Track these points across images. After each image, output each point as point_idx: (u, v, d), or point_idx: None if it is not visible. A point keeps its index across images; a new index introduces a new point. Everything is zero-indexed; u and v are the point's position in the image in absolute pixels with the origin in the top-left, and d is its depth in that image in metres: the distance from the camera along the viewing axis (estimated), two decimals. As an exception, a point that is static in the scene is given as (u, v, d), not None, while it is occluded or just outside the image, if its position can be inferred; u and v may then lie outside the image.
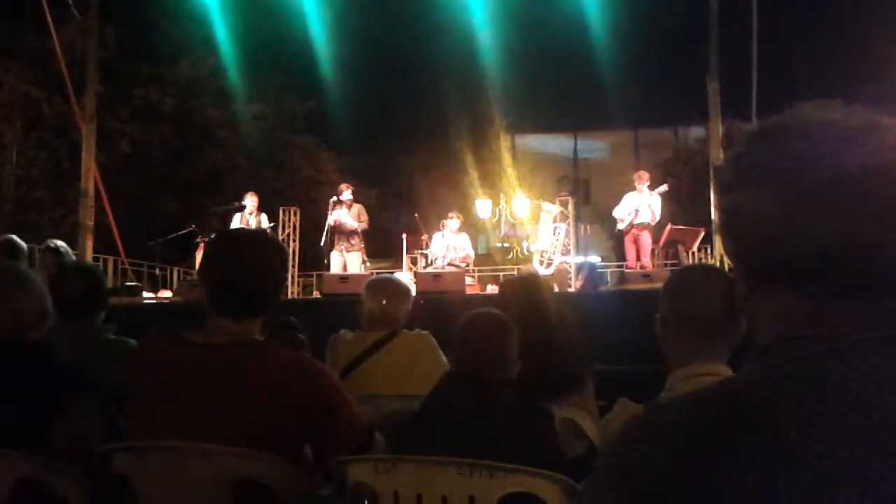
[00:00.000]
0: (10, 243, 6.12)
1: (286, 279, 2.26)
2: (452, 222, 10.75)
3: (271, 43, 18.33)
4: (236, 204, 11.09)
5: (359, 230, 10.49)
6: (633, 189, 10.52)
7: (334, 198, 10.59)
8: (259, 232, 3.33)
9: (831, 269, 0.74)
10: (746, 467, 0.66)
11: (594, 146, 28.92)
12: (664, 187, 10.70)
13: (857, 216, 0.73)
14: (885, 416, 0.67)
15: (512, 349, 2.28)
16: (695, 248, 10.73)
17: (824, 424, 0.67)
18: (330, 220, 10.47)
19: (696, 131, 19.47)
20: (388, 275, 3.55)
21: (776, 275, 0.78)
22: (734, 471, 0.67)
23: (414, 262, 12.25)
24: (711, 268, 2.19)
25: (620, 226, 10.64)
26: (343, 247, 10.45)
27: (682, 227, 10.77)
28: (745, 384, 0.75)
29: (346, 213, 10.41)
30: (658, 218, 10.34)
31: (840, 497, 0.64)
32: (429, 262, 11.02)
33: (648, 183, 10.47)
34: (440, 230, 10.99)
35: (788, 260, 0.76)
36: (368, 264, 12.37)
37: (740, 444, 0.68)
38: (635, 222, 10.32)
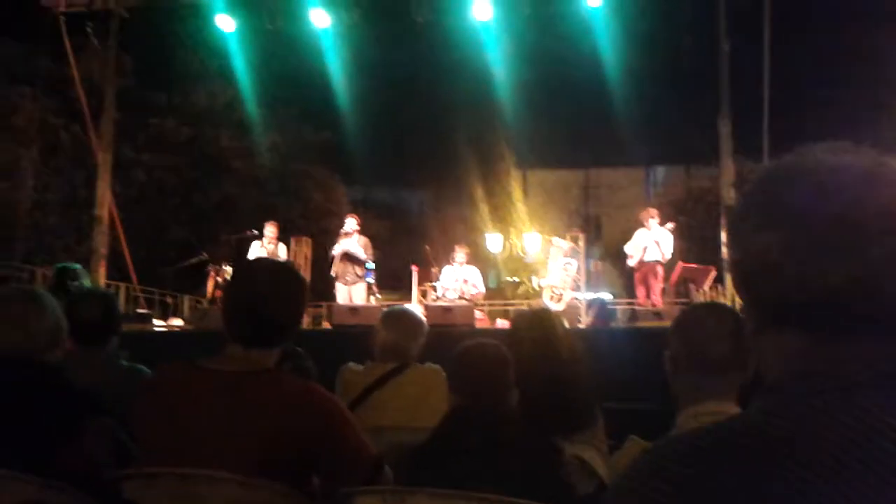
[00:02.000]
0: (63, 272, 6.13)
1: (303, 311, 2.28)
2: (459, 255, 10.76)
3: (288, 75, 18.53)
4: (247, 232, 11.12)
5: (365, 261, 10.48)
6: (642, 226, 10.50)
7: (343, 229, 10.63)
8: (281, 262, 3.36)
9: (841, 309, 0.75)
10: None
11: (606, 182, 28.97)
12: (670, 225, 10.66)
13: (871, 257, 0.74)
14: (892, 456, 0.67)
15: (509, 377, 2.28)
16: (706, 287, 10.68)
17: (831, 464, 0.67)
18: (337, 250, 10.47)
19: (707, 170, 19.45)
20: (403, 306, 3.56)
21: (785, 313, 0.79)
22: None
23: (424, 294, 12.24)
24: (720, 306, 2.19)
25: (630, 262, 10.60)
26: (349, 278, 10.41)
27: (694, 266, 10.73)
28: (750, 422, 0.75)
29: (354, 243, 10.41)
30: (668, 255, 10.29)
31: None
32: (438, 294, 11.02)
33: (657, 219, 10.44)
34: (451, 263, 11.00)
35: (798, 299, 0.77)
36: (379, 296, 12.37)
37: (744, 484, 0.68)
38: (645, 259, 10.28)
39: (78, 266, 6.76)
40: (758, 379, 0.84)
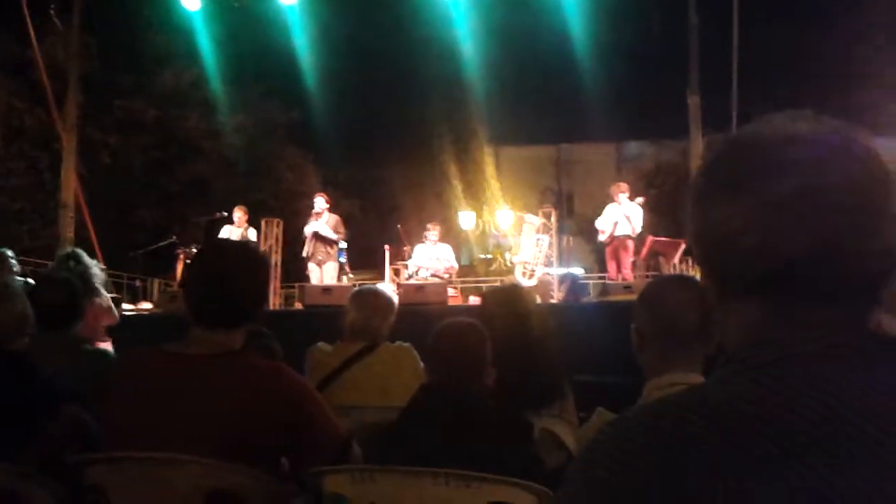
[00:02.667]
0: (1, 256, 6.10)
1: (268, 292, 2.27)
2: (432, 234, 10.77)
3: (254, 53, 18.30)
4: (217, 215, 11.04)
5: (337, 241, 10.47)
6: (613, 201, 10.55)
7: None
8: (242, 243, 3.34)
9: (800, 280, 0.75)
10: (709, 474, 0.67)
11: (577, 158, 29.05)
12: (640, 200, 10.72)
13: (828, 226, 0.73)
14: (849, 423, 0.67)
15: (486, 357, 2.28)
16: (676, 260, 10.78)
17: (788, 431, 0.67)
18: (307, 231, 10.45)
19: (677, 144, 19.58)
20: (373, 286, 3.55)
21: (745, 283, 0.78)
22: (698, 478, 0.67)
23: (396, 273, 12.24)
24: (685, 277, 2.21)
25: (601, 238, 10.67)
26: (320, 258, 10.41)
27: (664, 239, 10.82)
28: (709, 391, 0.75)
29: (322, 224, 10.40)
30: (638, 229, 10.36)
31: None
32: (411, 273, 11.02)
33: (627, 194, 10.49)
34: (423, 241, 11.01)
35: (757, 270, 0.76)
36: (351, 276, 12.35)
37: (704, 451, 0.68)
38: (615, 234, 10.34)
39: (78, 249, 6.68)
40: (720, 349, 0.84)
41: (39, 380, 2.23)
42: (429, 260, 10.59)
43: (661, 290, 1.91)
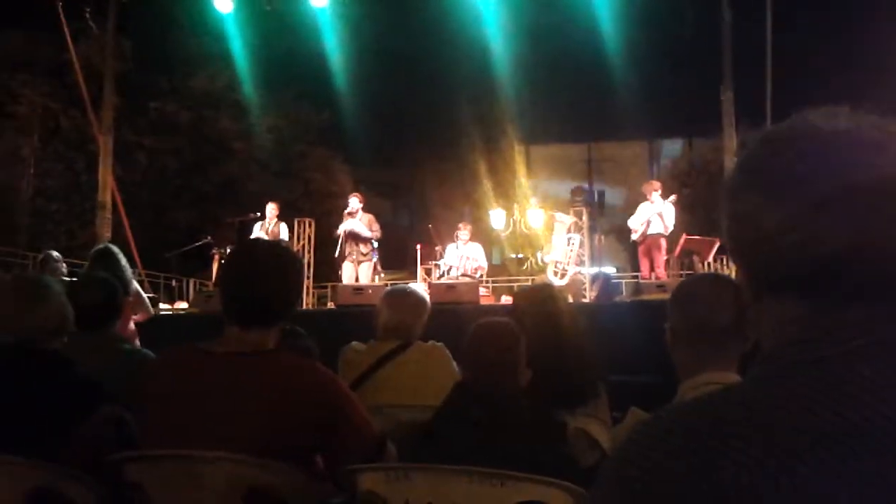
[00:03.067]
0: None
1: (302, 289, 2.29)
2: (462, 233, 10.77)
3: (287, 55, 18.42)
4: (251, 215, 11.16)
5: (372, 239, 10.51)
6: (646, 199, 10.48)
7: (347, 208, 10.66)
8: (275, 243, 3.38)
9: (837, 276, 0.74)
10: (747, 472, 0.67)
11: (609, 157, 28.86)
12: (672, 198, 10.63)
13: (871, 223, 0.73)
14: (892, 423, 0.66)
15: (522, 357, 2.28)
16: (710, 259, 10.66)
17: (826, 430, 0.67)
18: (341, 230, 10.50)
19: (711, 141, 19.37)
20: (405, 285, 3.56)
21: (781, 281, 0.78)
22: (735, 476, 0.67)
23: (428, 272, 12.26)
24: (719, 276, 2.19)
25: (634, 237, 10.59)
26: (355, 257, 10.46)
27: (697, 238, 10.71)
28: (746, 390, 0.75)
29: (357, 223, 10.44)
30: (671, 228, 10.26)
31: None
32: (442, 272, 11.03)
33: (659, 192, 10.40)
34: (454, 241, 11.02)
35: (794, 266, 0.76)
36: (383, 275, 12.39)
37: (741, 450, 0.68)
38: (648, 233, 10.26)
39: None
40: (757, 348, 0.83)
41: (77, 379, 2.27)
42: (459, 259, 10.59)
43: (694, 289, 1.89)
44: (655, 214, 10.17)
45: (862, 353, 0.71)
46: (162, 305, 10.36)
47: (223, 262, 2.33)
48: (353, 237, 10.45)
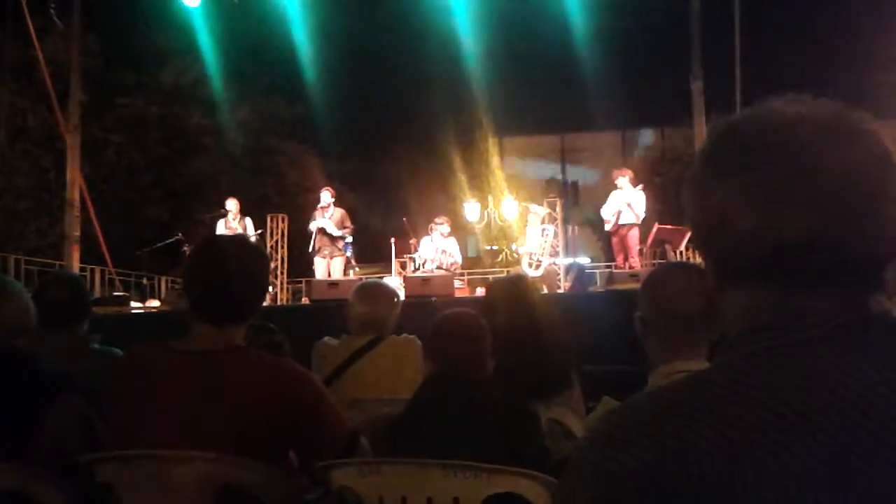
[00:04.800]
0: None
1: (268, 284, 2.27)
2: (443, 227, 10.76)
3: (257, 49, 18.29)
4: (222, 210, 11.08)
5: (343, 237, 10.50)
6: (615, 187, 10.51)
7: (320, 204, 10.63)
8: (239, 237, 3.34)
9: (798, 263, 0.74)
10: (714, 460, 0.67)
11: (582, 147, 28.97)
12: (640, 186, 10.66)
13: (832, 211, 0.73)
14: (852, 408, 0.67)
15: (487, 347, 2.30)
16: (682, 248, 10.74)
17: (790, 415, 0.67)
18: (313, 227, 10.47)
19: (682, 131, 19.49)
20: (376, 279, 3.55)
21: (743, 268, 0.78)
22: (703, 464, 0.67)
23: (403, 266, 12.25)
24: (688, 264, 2.21)
25: (607, 227, 10.64)
26: (326, 252, 10.44)
27: (669, 227, 10.76)
28: (708, 378, 0.75)
29: (327, 221, 10.41)
30: (642, 216, 10.31)
31: (809, 488, 0.64)
32: (417, 266, 11.02)
33: (628, 178, 10.41)
34: (429, 234, 11.01)
35: (755, 254, 0.76)
36: (357, 269, 12.36)
37: (707, 438, 0.68)
38: (620, 222, 10.31)
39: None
40: (723, 335, 0.84)
41: (40, 375, 2.24)
42: (435, 252, 10.59)
43: (662, 278, 1.90)
44: (625, 204, 10.21)
45: (824, 339, 0.72)
46: (133, 304, 10.25)
47: (187, 259, 2.28)
48: (325, 234, 10.43)
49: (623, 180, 10.32)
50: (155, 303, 11.32)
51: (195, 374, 1.93)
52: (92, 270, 13.56)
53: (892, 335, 0.73)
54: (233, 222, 10.71)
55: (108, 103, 18.54)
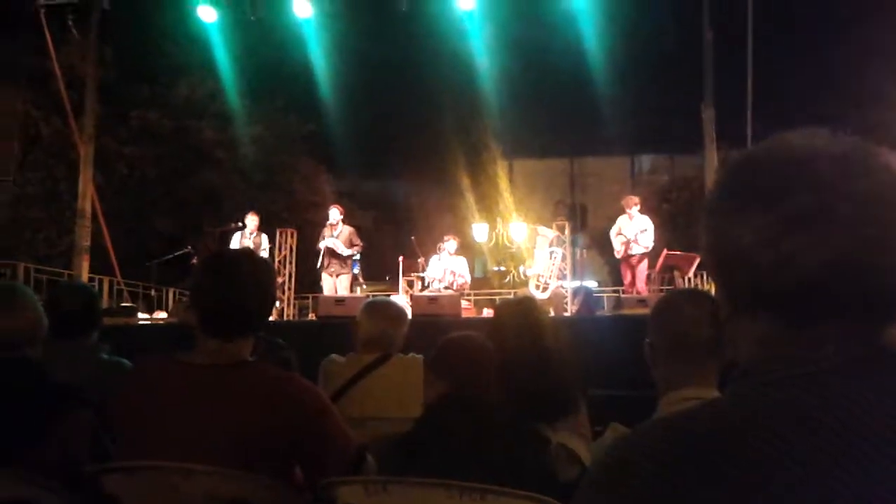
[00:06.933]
0: None
1: (276, 298, 2.28)
2: (450, 245, 10.78)
3: (272, 66, 18.40)
4: (233, 225, 11.10)
5: (352, 256, 10.53)
6: (624, 213, 10.55)
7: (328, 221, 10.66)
8: (247, 251, 3.35)
9: (813, 294, 0.75)
10: (722, 491, 0.67)
11: (591, 171, 29.00)
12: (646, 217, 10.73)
13: (848, 243, 0.73)
14: (865, 440, 0.67)
15: (492, 370, 2.29)
16: (691, 274, 10.73)
17: (801, 448, 0.67)
18: (321, 245, 10.50)
19: (692, 159, 19.49)
20: (385, 297, 3.55)
21: (758, 299, 0.78)
22: (710, 494, 0.67)
23: (410, 284, 12.24)
24: (698, 292, 2.20)
25: (617, 255, 10.68)
26: (333, 270, 10.46)
27: (678, 253, 10.77)
28: (722, 407, 0.75)
29: (336, 241, 10.44)
30: (651, 245, 10.36)
31: None
32: (425, 284, 11.02)
33: (638, 206, 10.50)
34: (437, 253, 11.01)
35: (771, 285, 0.76)
36: (365, 287, 12.37)
37: (716, 468, 0.68)
38: (630, 252, 10.35)
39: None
40: (734, 364, 0.84)
41: (51, 386, 2.24)
42: (443, 272, 10.60)
43: (673, 305, 1.90)
44: (633, 233, 10.27)
45: (837, 371, 0.72)
46: (140, 315, 10.27)
47: (195, 273, 2.28)
48: (333, 252, 10.45)
49: (634, 209, 10.38)
50: (162, 314, 11.34)
51: (203, 387, 1.94)
52: (100, 281, 13.59)
53: None
54: (249, 237, 10.73)
55: (121, 115, 18.65)
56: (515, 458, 2.01)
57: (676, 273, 10.50)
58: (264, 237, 11.01)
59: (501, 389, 2.33)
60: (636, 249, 10.28)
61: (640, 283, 10.29)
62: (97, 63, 13.84)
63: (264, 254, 10.16)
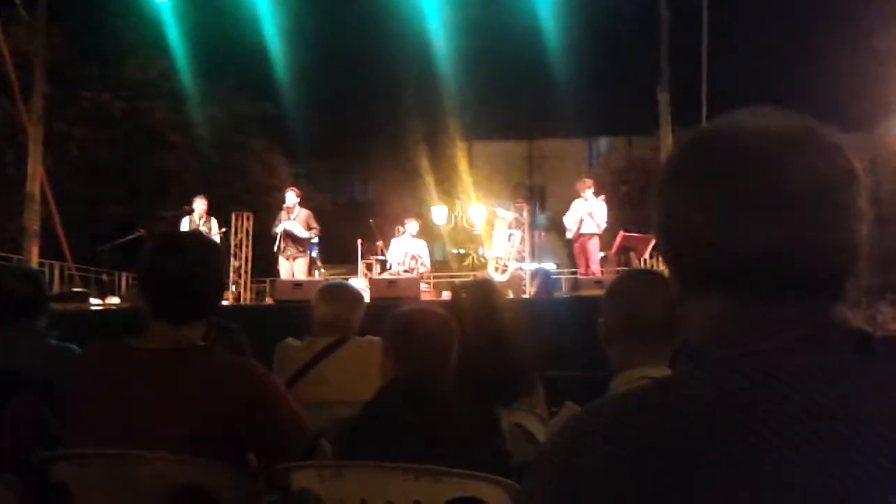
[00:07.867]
0: None
1: (227, 281, 2.24)
2: (411, 226, 10.76)
3: (225, 45, 18.10)
4: (185, 208, 10.93)
5: (309, 239, 10.45)
6: (580, 196, 10.62)
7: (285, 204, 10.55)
8: (196, 234, 3.30)
9: (762, 273, 0.75)
10: (670, 468, 0.67)
11: (549, 153, 29.15)
12: (602, 197, 10.80)
13: (799, 223, 0.74)
14: (815, 418, 0.67)
15: (454, 347, 2.23)
16: (647, 255, 10.85)
17: (752, 425, 0.67)
18: (279, 229, 10.39)
19: (649, 140, 19.70)
20: (340, 280, 3.52)
21: (708, 278, 0.78)
22: (662, 473, 0.67)
23: (369, 267, 12.20)
24: (651, 272, 2.22)
25: (568, 234, 10.75)
26: (290, 253, 10.37)
27: (634, 234, 10.88)
28: (674, 385, 0.75)
29: (294, 223, 10.34)
30: (603, 226, 10.45)
31: (767, 499, 0.65)
32: (386, 267, 11.00)
33: (592, 189, 10.57)
34: (397, 235, 10.98)
35: (720, 264, 0.76)
36: (323, 270, 12.29)
37: (665, 446, 0.68)
38: (581, 231, 10.42)
39: None
40: (685, 343, 0.84)
41: None
42: (404, 255, 10.58)
43: (626, 285, 1.92)
44: (587, 213, 10.33)
45: (789, 348, 0.72)
46: (93, 300, 10.09)
47: (143, 256, 2.20)
48: (290, 236, 10.36)
49: (589, 192, 10.45)
50: (115, 300, 11.16)
51: (153, 373, 1.90)
52: (51, 266, 13.32)
53: (849, 346, 0.74)
54: (198, 221, 10.57)
55: (72, 96, 18.23)
56: (468, 439, 2.00)
57: (633, 254, 10.61)
58: (214, 221, 10.85)
59: (458, 371, 2.31)
60: (588, 227, 10.32)
61: (595, 266, 10.38)
62: (45, 43, 13.47)
63: (215, 238, 10.01)
